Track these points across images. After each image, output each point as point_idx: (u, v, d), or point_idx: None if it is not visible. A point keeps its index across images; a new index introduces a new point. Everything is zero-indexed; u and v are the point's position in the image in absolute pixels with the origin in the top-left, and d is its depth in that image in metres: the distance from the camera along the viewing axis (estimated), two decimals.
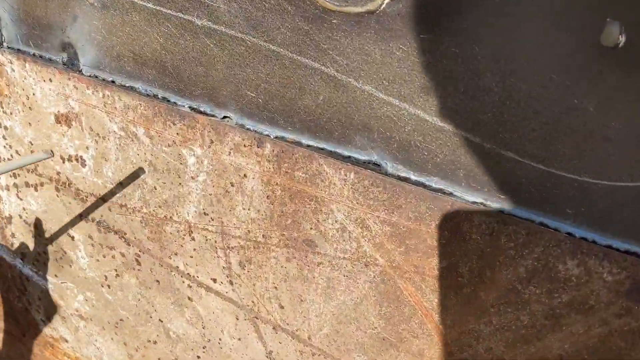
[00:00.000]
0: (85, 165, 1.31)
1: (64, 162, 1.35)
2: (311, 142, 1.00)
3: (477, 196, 0.89)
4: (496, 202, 0.88)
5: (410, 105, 0.88)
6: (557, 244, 0.85)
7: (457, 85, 0.83)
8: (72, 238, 1.46)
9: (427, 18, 0.81)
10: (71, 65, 1.22)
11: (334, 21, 0.89)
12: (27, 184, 1.47)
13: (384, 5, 0.84)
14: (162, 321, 1.42)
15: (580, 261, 0.84)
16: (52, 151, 1.12)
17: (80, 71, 1.21)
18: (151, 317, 1.43)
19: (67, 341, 1.72)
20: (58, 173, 1.38)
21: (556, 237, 0.85)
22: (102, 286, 1.48)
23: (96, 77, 1.20)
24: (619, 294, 0.83)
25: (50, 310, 1.68)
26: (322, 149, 0.99)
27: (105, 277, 1.46)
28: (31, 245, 1.57)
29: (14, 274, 1.71)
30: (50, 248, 1.53)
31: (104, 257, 1.42)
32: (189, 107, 1.11)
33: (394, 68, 0.87)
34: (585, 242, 0.83)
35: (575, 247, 0.84)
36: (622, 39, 0.70)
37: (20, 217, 1.55)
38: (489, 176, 0.87)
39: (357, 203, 0.99)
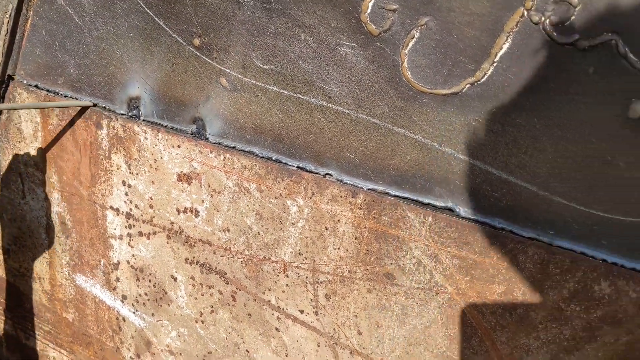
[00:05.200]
0: (199, 215, 1.54)
1: (179, 214, 1.58)
2: (397, 193, 1.24)
3: (532, 232, 1.12)
4: (546, 237, 1.11)
5: (481, 163, 1.12)
6: (594, 268, 1.07)
7: (520, 146, 1.08)
8: (175, 279, 1.67)
9: (497, 99, 1.07)
10: (199, 134, 1.48)
11: (425, 100, 1.15)
12: (140, 233, 1.70)
13: (465, 89, 1.10)
14: (248, 351, 1.60)
15: (612, 282, 1.06)
16: (93, 103, 1.48)
17: (207, 139, 1.47)
18: (238, 348, 1.62)
19: None
20: (172, 223, 1.61)
21: (593, 263, 1.07)
22: (197, 322, 1.68)
23: (219, 143, 1.45)
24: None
25: (140, 347, 1.86)
26: (406, 197, 1.23)
27: (201, 313, 1.66)
28: (134, 288, 1.78)
29: (111, 316, 1.90)
30: (151, 289, 1.74)
31: (202, 295, 1.63)
32: (297, 167, 1.35)
33: (470, 134, 1.12)
34: (616, 267, 1.05)
35: (608, 271, 1.05)
36: None
37: (128, 262, 1.77)
38: (543, 217, 1.10)
39: (432, 241, 1.21)
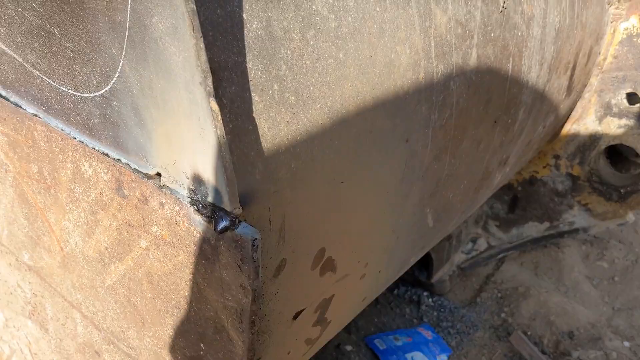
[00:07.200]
0: None
1: None
2: None
3: (33, 108, 1.01)
4: (42, 113, 1.00)
5: None
6: (75, 148, 0.96)
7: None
8: None
9: None
10: None
11: None
12: None
13: None
14: None
15: (90, 163, 0.95)
16: None
17: None
18: None
19: None
20: None
21: (74, 143, 0.95)
22: None
23: None
24: (113, 191, 0.94)
25: None
26: None
27: None
28: None
29: None
30: None
31: None
32: None
33: None
34: (86, 147, 0.94)
35: (84, 151, 0.94)
36: None
37: None
38: (29, 91, 0.98)
39: None
